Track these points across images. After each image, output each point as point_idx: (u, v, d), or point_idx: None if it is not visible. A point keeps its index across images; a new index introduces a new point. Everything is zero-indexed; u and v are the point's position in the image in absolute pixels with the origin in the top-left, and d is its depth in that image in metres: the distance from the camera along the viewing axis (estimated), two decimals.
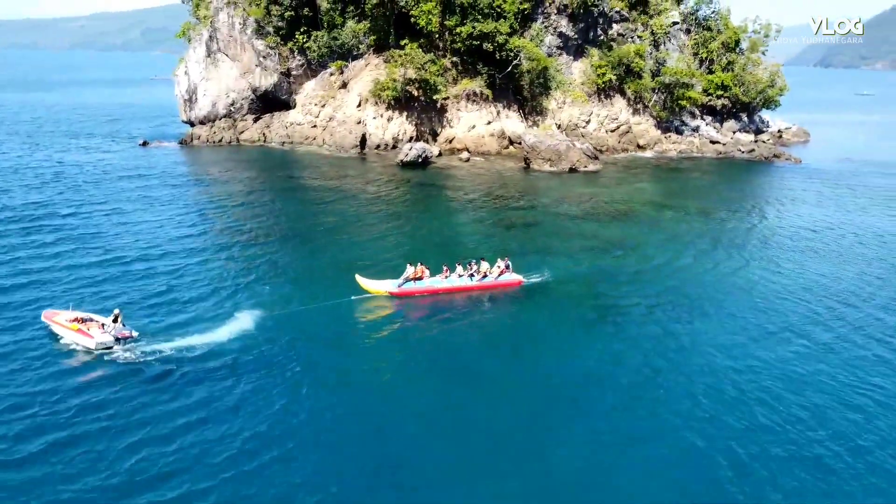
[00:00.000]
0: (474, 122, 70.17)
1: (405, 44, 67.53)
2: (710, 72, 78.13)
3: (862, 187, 56.87)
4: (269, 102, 75.29)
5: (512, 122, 71.38)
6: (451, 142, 69.34)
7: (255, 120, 74.61)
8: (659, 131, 76.05)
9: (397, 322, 27.64)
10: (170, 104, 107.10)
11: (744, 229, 43.17)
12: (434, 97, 67.93)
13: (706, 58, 78.63)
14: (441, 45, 69.87)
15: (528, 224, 43.23)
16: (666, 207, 48.27)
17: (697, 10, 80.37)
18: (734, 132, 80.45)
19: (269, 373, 22.32)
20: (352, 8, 70.55)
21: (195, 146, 70.23)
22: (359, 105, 69.40)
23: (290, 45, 72.46)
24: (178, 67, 76.96)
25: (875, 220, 45.44)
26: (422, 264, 30.19)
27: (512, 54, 67.13)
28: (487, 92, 68.78)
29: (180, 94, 76.11)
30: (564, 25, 73.00)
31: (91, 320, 25.83)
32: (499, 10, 66.74)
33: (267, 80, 73.62)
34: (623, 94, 74.96)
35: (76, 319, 25.70)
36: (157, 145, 69.72)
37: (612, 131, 74.44)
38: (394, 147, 68.28)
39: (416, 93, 68.40)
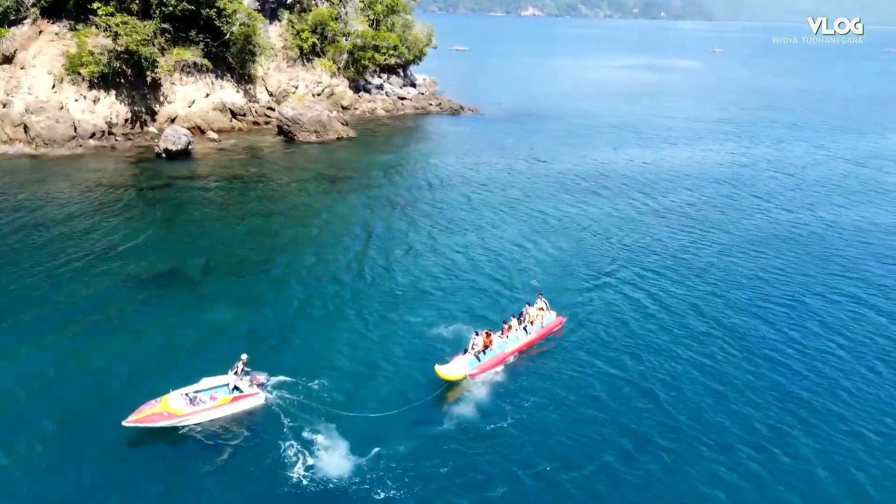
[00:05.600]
0: (193, 97, 63.46)
1: (97, 7, 56.29)
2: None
3: (548, 129, 72.65)
4: None
5: (228, 92, 66.79)
6: (173, 121, 61.44)
7: None
8: (352, 92, 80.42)
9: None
10: None
11: (558, 171, 53.06)
12: (150, 72, 58.92)
13: (373, 19, 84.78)
14: (137, 9, 60.09)
15: (401, 206, 43.62)
16: (474, 163, 55.57)
17: None
18: (401, 87, 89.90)
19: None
20: None
21: None
22: (53, 86, 55.57)
23: None
24: None
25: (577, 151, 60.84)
26: (486, 330, 25.01)
27: (229, 20, 62.28)
28: (206, 63, 62.74)
29: None
30: None
31: (210, 389, 21.51)
32: None
33: None
34: (320, 57, 76.52)
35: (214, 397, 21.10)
36: None
37: (318, 95, 75.87)
38: (110, 134, 57.55)
39: (122, 67, 58.15)
